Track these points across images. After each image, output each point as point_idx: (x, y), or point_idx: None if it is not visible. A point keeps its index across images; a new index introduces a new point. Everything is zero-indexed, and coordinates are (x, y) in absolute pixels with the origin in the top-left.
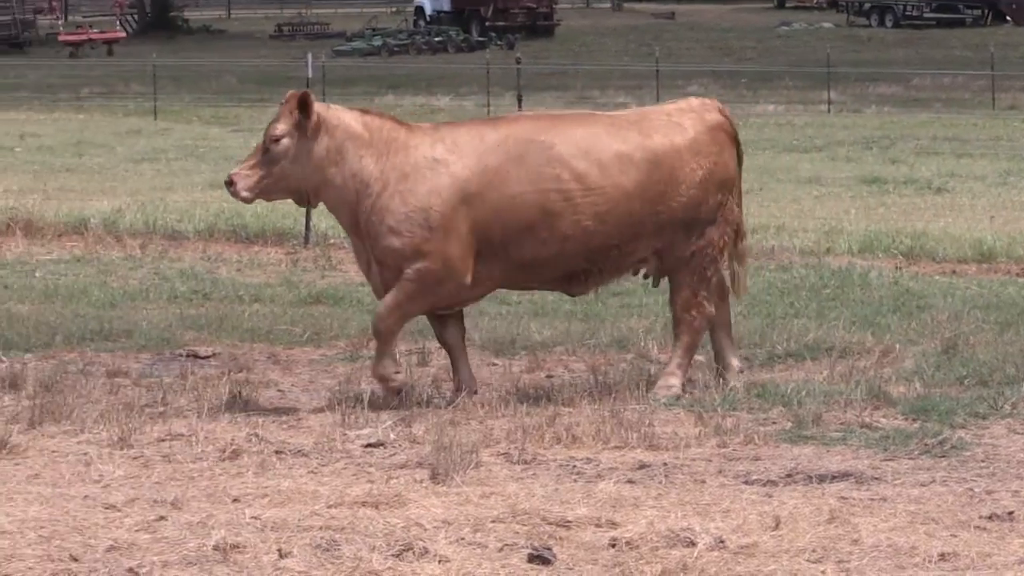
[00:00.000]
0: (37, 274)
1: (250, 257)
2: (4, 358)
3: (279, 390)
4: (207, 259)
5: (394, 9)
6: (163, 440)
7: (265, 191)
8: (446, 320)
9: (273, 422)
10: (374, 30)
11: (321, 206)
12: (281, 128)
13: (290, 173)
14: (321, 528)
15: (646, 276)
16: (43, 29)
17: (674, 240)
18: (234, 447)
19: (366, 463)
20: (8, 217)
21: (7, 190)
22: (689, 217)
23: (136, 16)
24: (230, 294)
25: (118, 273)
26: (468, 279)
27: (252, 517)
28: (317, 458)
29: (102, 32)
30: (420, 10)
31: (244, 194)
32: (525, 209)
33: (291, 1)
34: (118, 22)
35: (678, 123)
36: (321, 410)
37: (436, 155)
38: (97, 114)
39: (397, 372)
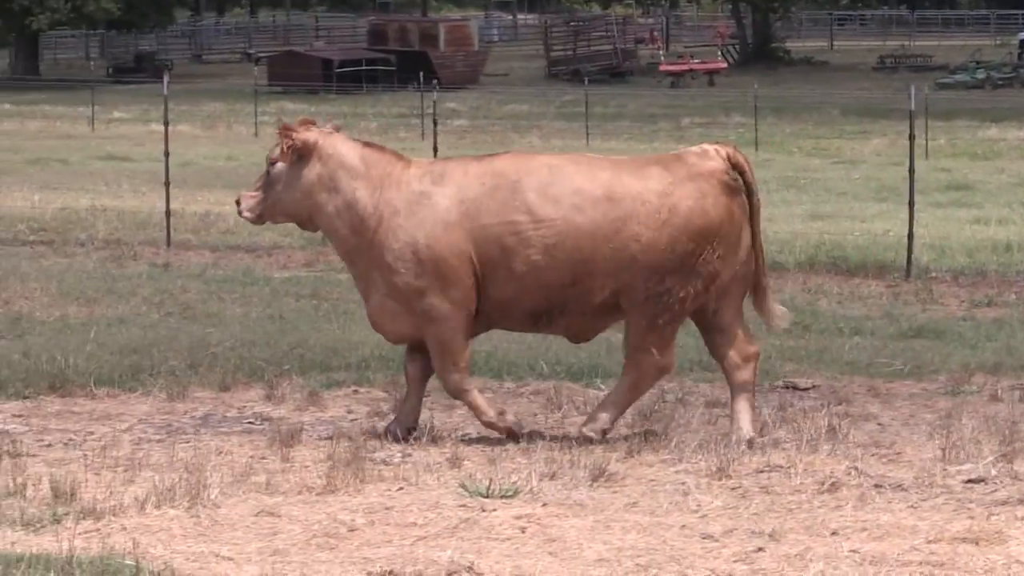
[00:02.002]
0: None
1: (851, 289)
2: (603, 387)
3: (879, 423)
4: (807, 291)
5: (998, 42)
6: (761, 471)
7: (267, 213)
8: (416, 353)
9: (872, 455)
10: (978, 63)
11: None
12: (276, 152)
13: (283, 197)
14: (920, 564)
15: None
16: (644, 59)
17: (632, 282)
18: (833, 480)
19: (966, 499)
20: None
21: None
22: (650, 260)
23: (737, 47)
24: (830, 326)
25: None
26: (474, 306)
27: (850, 551)
28: (917, 492)
29: (703, 62)
30: None
31: (246, 214)
32: (491, 242)
33: (894, 33)
34: (719, 53)
35: (663, 167)
36: (921, 444)
37: (423, 189)
38: (698, 144)
39: (501, 413)
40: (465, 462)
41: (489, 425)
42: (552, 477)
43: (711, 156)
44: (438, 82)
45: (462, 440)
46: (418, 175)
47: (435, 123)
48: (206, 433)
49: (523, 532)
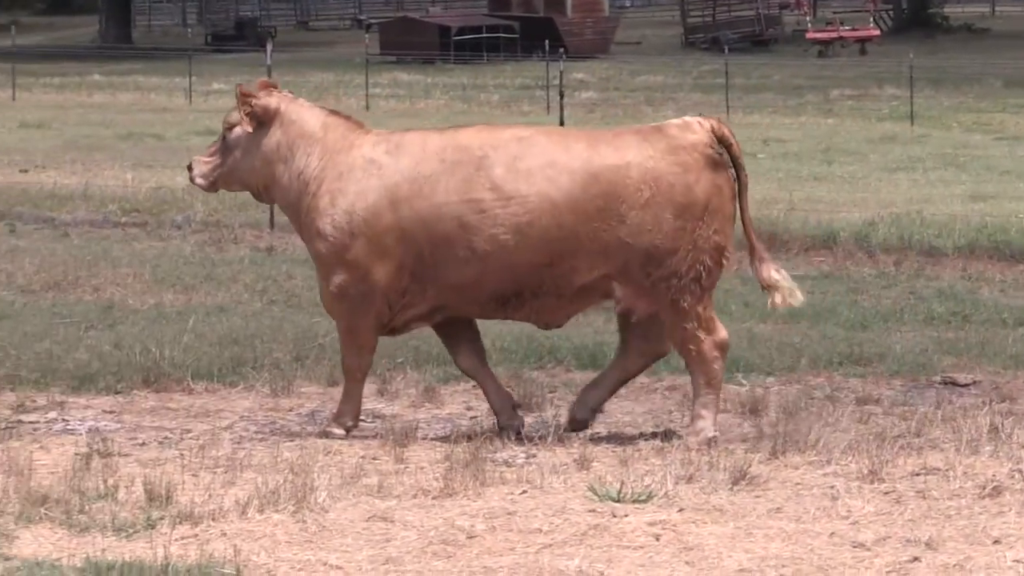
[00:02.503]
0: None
1: (1015, 276)
2: (744, 381)
3: None
4: (967, 278)
5: None
6: (917, 474)
7: (221, 180)
8: (457, 345)
9: None
10: None
11: None
12: (235, 116)
13: (241, 165)
14: None
15: (618, 312)
16: (789, 26)
17: (628, 266)
18: (995, 484)
19: None
20: None
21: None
22: (641, 242)
23: (891, 13)
24: (992, 316)
25: (869, 291)
26: (396, 293)
27: (1014, 560)
28: None
29: (854, 30)
30: None
31: (199, 181)
32: (447, 221)
33: None
34: (872, 19)
35: (644, 140)
36: None
37: (374, 156)
38: (848, 119)
39: (355, 425)
40: (594, 463)
41: (337, 422)
42: (689, 480)
43: (694, 129)
44: (565, 51)
45: (591, 440)
46: (372, 142)
47: (561, 95)
48: (313, 431)
49: (657, 540)
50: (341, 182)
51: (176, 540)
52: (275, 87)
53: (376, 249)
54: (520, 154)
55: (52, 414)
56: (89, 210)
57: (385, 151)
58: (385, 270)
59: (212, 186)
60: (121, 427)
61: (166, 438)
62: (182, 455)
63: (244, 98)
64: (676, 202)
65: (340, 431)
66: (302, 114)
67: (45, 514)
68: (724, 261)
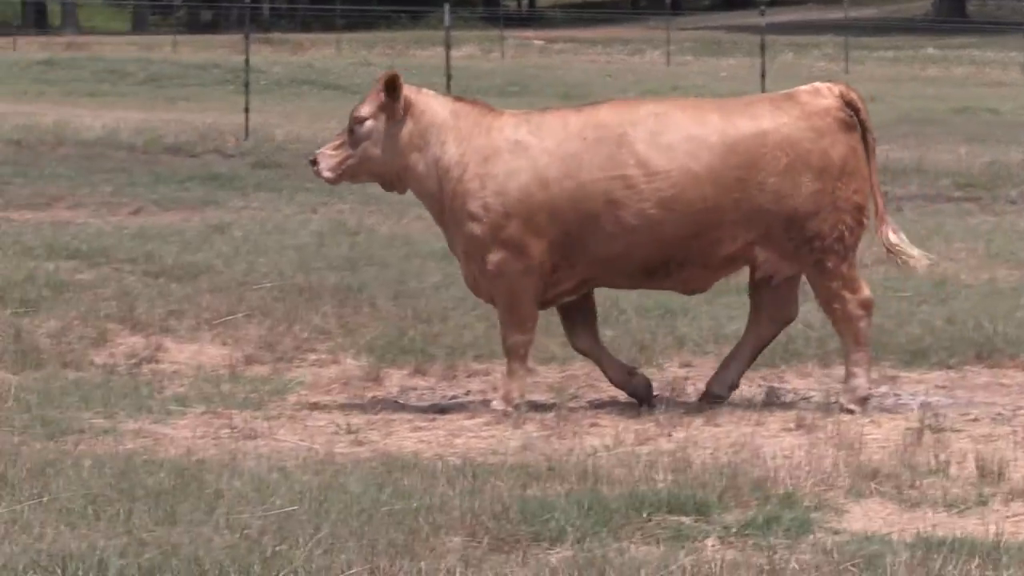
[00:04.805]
0: None
1: None
2: None
3: None
4: None
5: None
6: None
7: (349, 173)
8: (573, 326)
9: None
10: None
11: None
12: (365, 110)
13: (372, 156)
14: None
15: (755, 279)
16: None
17: (771, 232)
18: None
19: None
20: None
21: None
22: (781, 208)
23: None
24: None
25: None
26: (548, 267)
27: None
28: None
29: None
30: None
31: (327, 174)
32: (594, 198)
33: None
34: None
35: (777, 108)
36: None
37: (518, 137)
38: None
39: (522, 398)
40: None
41: (506, 400)
42: None
43: (824, 94)
44: None
45: None
46: (513, 123)
47: None
48: None
49: None
50: (488, 165)
51: (1009, 517)
52: (399, 77)
53: (530, 227)
54: (659, 129)
55: (883, 388)
56: (922, 184)
57: (528, 131)
58: (538, 247)
59: (339, 179)
60: (953, 402)
61: (999, 415)
62: (1015, 432)
63: (396, 91)
64: (813, 166)
65: (507, 407)
66: (431, 103)
67: (875, 489)
68: (864, 220)
